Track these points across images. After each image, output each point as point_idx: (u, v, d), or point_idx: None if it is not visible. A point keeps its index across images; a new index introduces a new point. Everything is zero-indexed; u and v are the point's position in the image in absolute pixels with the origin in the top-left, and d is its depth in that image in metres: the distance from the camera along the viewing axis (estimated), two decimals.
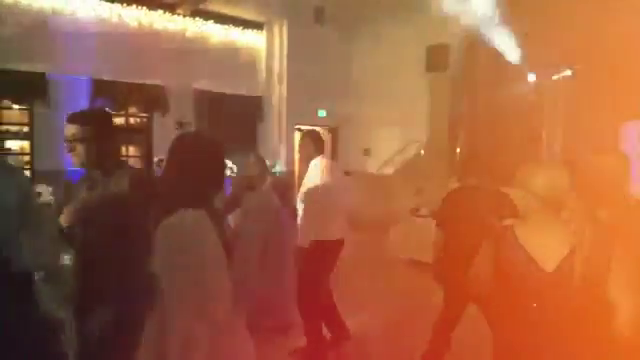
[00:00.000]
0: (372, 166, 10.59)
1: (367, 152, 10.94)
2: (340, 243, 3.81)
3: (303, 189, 3.80)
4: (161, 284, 1.60)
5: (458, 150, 8.96)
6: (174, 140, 1.79)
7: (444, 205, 3.40)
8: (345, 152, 11.18)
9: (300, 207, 3.80)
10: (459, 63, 8.91)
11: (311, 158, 3.81)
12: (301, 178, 4.10)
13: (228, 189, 5.81)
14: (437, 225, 3.39)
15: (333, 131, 11.26)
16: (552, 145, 7.81)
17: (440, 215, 3.40)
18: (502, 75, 7.99)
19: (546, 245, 1.68)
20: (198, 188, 1.70)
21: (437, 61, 9.04)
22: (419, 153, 9.62)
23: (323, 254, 3.70)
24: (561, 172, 1.71)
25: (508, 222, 1.75)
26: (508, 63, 7.76)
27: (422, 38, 9.14)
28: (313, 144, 3.84)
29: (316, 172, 3.73)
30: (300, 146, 4.00)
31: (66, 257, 3.90)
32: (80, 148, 2.20)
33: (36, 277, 2.82)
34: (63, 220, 2.54)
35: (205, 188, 1.74)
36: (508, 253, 1.74)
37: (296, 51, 10.24)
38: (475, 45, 8.41)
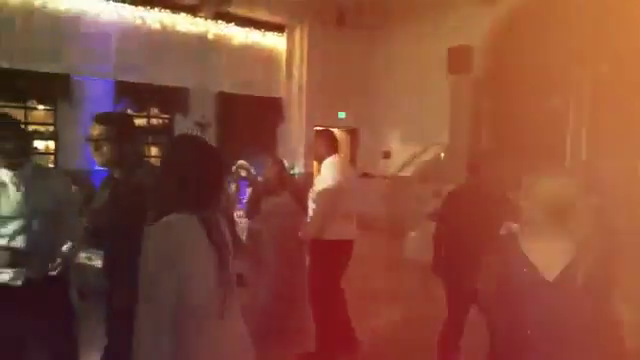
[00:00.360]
0: (392, 168, 10.51)
1: (387, 154, 10.85)
2: (349, 244, 3.76)
3: (314, 189, 3.77)
4: (144, 286, 1.59)
5: None
6: (169, 143, 1.76)
7: (447, 203, 3.34)
8: (365, 154, 11.13)
9: (311, 207, 3.77)
10: (482, 65, 8.78)
11: (323, 158, 3.77)
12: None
13: (244, 191, 5.85)
14: (439, 222, 3.35)
15: (353, 133, 11.22)
16: (576, 149, 7.61)
17: (442, 213, 3.35)
18: (525, 78, 7.83)
19: (549, 254, 1.66)
20: (191, 193, 1.64)
21: (459, 63, 8.91)
22: (439, 156, 9.50)
23: (332, 255, 3.66)
24: (567, 181, 1.67)
25: (512, 230, 1.72)
26: (531, 65, 7.62)
27: (444, 39, 9.03)
28: (325, 144, 3.80)
29: (328, 172, 3.69)
30: (313, 146, 3.99)
31: (83, 255, 4.00)
32: (103, 147, 2.27)
33: (50, 273, 2.86)
34: (85, 221, 2.58)
35: (199, 193, 1.66)
36: (511, 260, 1.72)
37: (316, 53, 10.26)
38: (498, 46, 8.29)
